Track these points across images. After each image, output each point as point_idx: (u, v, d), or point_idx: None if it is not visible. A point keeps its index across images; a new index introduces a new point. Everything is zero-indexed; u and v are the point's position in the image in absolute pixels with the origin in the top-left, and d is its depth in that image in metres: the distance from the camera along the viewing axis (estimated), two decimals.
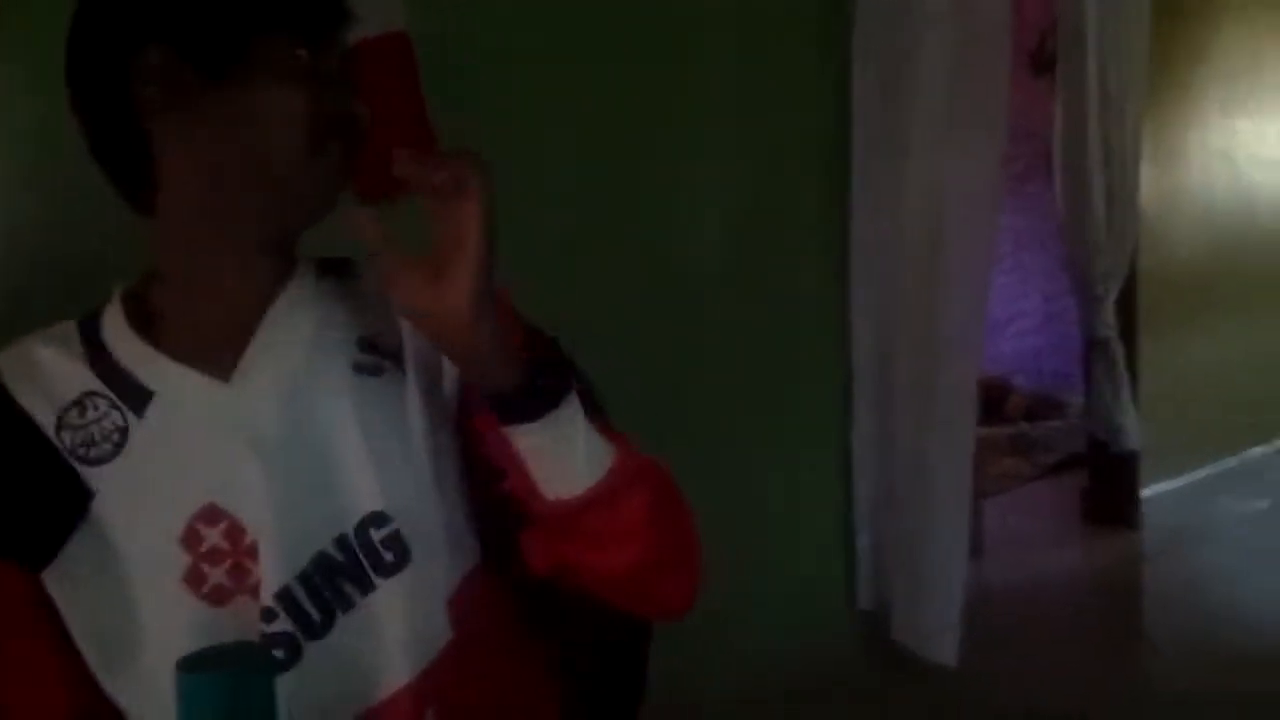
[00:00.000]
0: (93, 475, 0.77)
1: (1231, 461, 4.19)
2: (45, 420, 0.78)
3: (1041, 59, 4.01)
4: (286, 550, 0.77)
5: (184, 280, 0.81)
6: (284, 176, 0.80)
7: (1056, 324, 4.99)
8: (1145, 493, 3.77)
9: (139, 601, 0.76)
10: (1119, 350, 3.36)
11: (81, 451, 0.77)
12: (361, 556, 0.79)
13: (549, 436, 0.77)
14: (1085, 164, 3.17)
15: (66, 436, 0.78)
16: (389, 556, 0.79)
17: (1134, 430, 3.44)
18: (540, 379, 0.76)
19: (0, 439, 0.78)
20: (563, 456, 0.77)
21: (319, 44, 0.80)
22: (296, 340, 0.82)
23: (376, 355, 0.83)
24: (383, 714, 0.79)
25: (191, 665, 0.68)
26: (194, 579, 0.76)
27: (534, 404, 0.75)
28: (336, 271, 0.88)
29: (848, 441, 2.64)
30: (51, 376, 0.80)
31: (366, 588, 0.79)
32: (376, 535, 0.79)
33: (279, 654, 0.75)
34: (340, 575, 0.78)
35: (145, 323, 0.81)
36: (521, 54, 1.97)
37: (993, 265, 2.50)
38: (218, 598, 0.76)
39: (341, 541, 0.79)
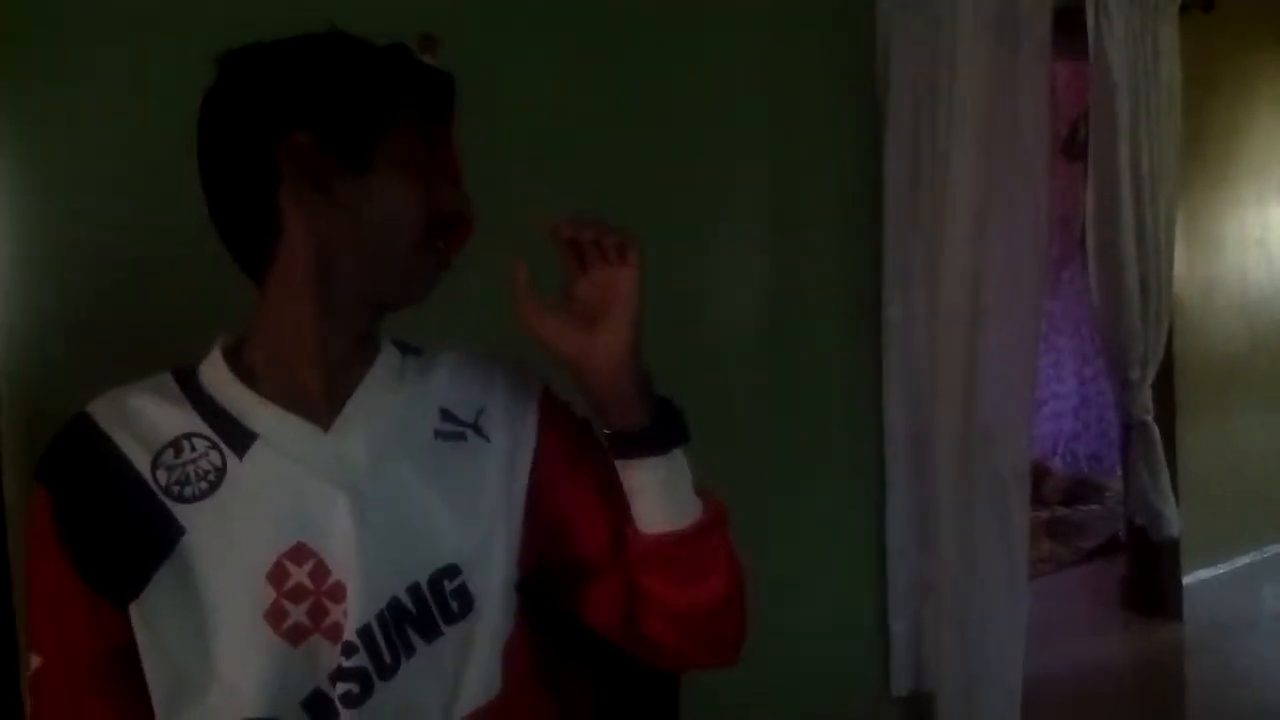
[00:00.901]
0: (184, 512, 0.82)
1: (1275, 548, 4.09)
2: (140, 461, 0.83)
3: (1074, 146, 4.05)
4: (369, 591, 0.82)
5: (287, 343, 0.88)
6: (395, 264, 0.88)
7: (1091, 407, 4.95)
8: (1187, 580, 3.68)
9: (217, 635, 0.80)
10: (1157, 434, 3.32)
11: (175, 489, 0.83)
12: (433, 605, 0.85)
13: (669, 470, 0.90)
14: (1119, 249, 3.16)
15: (161, 475, 0.83)
16: (455, 606, 0.86)
17: (1174, 517, 3.37)
18: (668, 418, 0.90)
19: (98, 478, 0.83)
20: (676, 489, 0.90)
21: (435, 142, 0.89)
22: (388, 404, 0.90)
23: (456, 423, 0.92)
24: None
25: None
26: (275, 615, 0.81)
27: (662, 441, 0.89)
28: (414, 351, 0.98)
29: (882, 527, 2.61)
30: (147, 421, 0.85)
31: (432, 635, 0.85)
32: (448, 586, 0.86)
33: (353, 689, 0.81)
34: (409, 622, 0.84)
35: (246, 375, 0.88)
36: (546, 113, 2.00)
37: (1038, 347, 2.49)
38: (294, 636, 0.81)
39: (415, 590, 0.84)
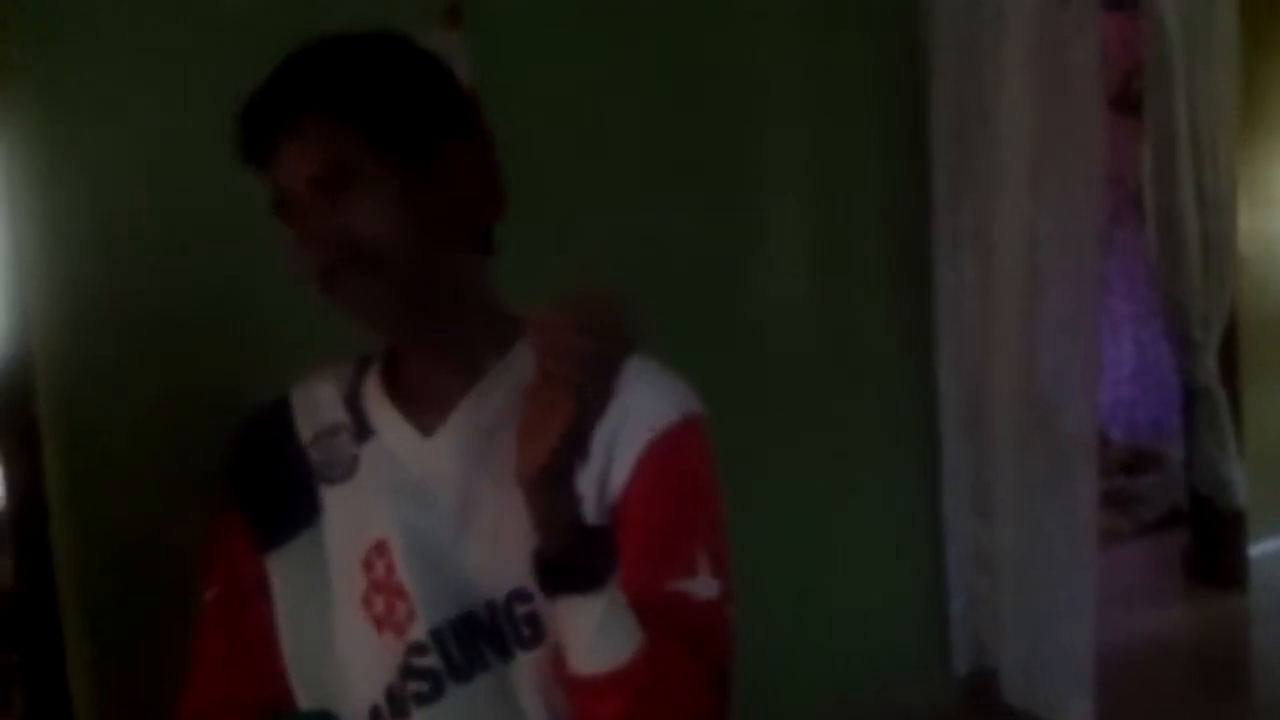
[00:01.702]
0: (326, 493, 0.90)
1: None
2: (305, 437, 0.93)
3: (1128, 100, 3.92)
4: (435, 596, 0.84)
5: (406, 347, 0.92)
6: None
7: (1151, 372, 4.81)
8: (1252, 550, 3.57)
9: (333, 609, 0.88)
10: (1222, 399, 3.20)
11: (322, 470, 0.91)
12: (504, 625, 0.85)
13: (568, 613, 0.78)
14: (1178, 206, 3.06)
15: (316, 455, 0.92)
16: (526, 632, 0.85)
17: (1241, 485, 3.26)
18: (571, 564, 0.77)
19: (271, 438, 0.93)
20: (574, 637, 0.78)
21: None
22: (490, 419, 0.88)
23: None
24: None
25: None
26: (367, 601, 0.87)
27: (563, 580, 0.77)
28: None
29: (937, 501, 2.55)
30: (320, 404, 0.94)
31: (505, 655, 0.85)
32: (520, 610, 0.84)
33: (424, 688, 0.84)
34: (482, 637, 0.84)
35: (392, 375, 0.93)
36: (582, 87, 1.97)
37: (1098, 309, 2.41)
38: (378, 624, 0.86)
39: (490, 606, 0.85)
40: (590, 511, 0.83)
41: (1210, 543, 3.57)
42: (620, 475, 0.86)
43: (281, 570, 0.90)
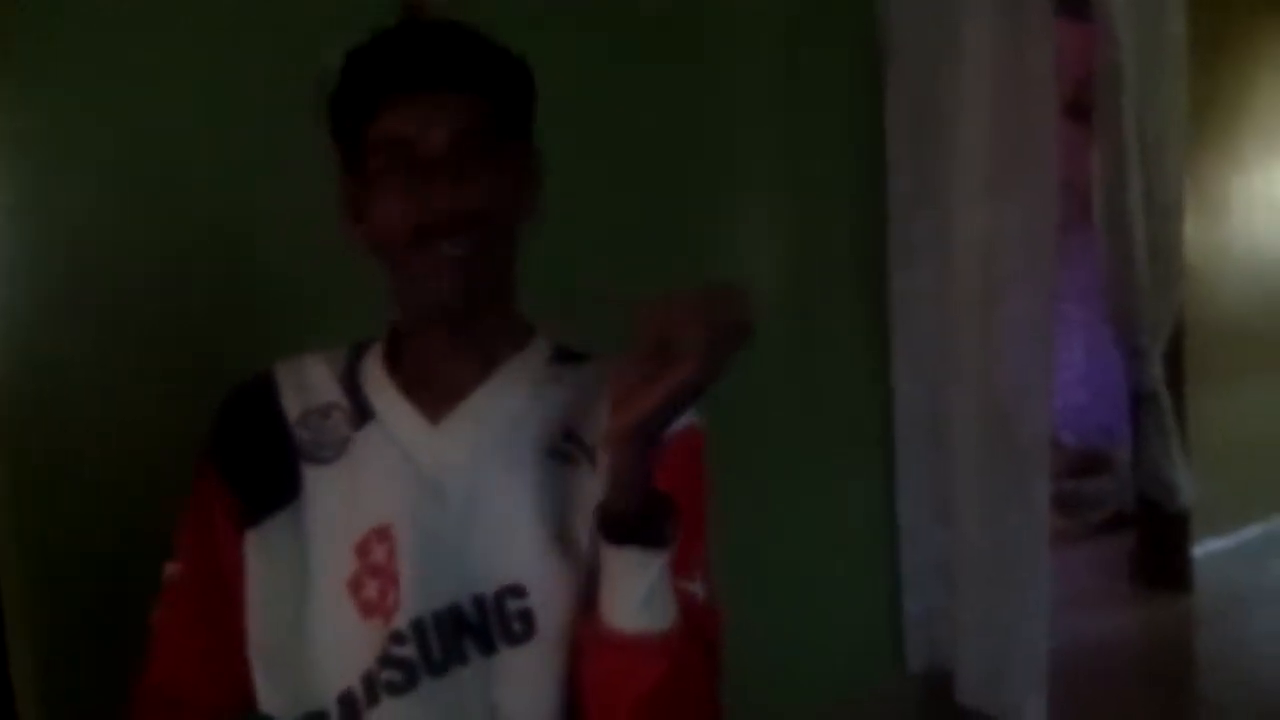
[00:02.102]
0: (311, 473, 0.89)
1: None
2: (292, 415, 0.92)
3: (1078, 107, 3.97)
4: (425, 586, 0.84)
5: (415, 336, 0.93)
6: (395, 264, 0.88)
7: (1099, 378, 4.88)
8: (1196, 552, 3.63)
9: (312, 592, 0.87)
10: (1168, 403, 3.25)
11: (309, 449, 0.90)
12: (492, 620, 0.84)
13: (628, 566, 0.79)
14: (1127, 213, 3.09)
15: (303, 434, 0.91)
16: (518, 628, 0.85)
17: (1188, 488, 3.31)
18: (648, 520, 0.79)
19: (254, 414, 0.93)
20: (626, 592, 0.79)
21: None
22: (503, 412, 0.90)
23: (573, 446, 0.89)
24: None
25: None
26: (355, 585, 0.85)
27: (628, 532, 0.78)
28: (573, 360, 0.95)
29: (893, 504, 2.56)
30: (310, 385, 0.94)
31: (489, 651, 0.84)
32: (512, 605, 0.85)
33: (396, 678, 0.83)
34: (465, 632, 0.84)
35: (396, 359, 0.93)
36: (567, 95, 1.93)
37: (1054, 314, 2.45)
38: (366, 609, 0.85)
39: (479, 601, 0.85)
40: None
41: (1155, 545, 3.63)
42: None
43: (258, 549, 0.89)
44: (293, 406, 0.92)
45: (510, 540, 0.85)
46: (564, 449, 0.89)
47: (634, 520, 0.78)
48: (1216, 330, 3.69)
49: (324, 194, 0.95)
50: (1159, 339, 3.24)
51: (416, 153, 0.83)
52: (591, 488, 0.85)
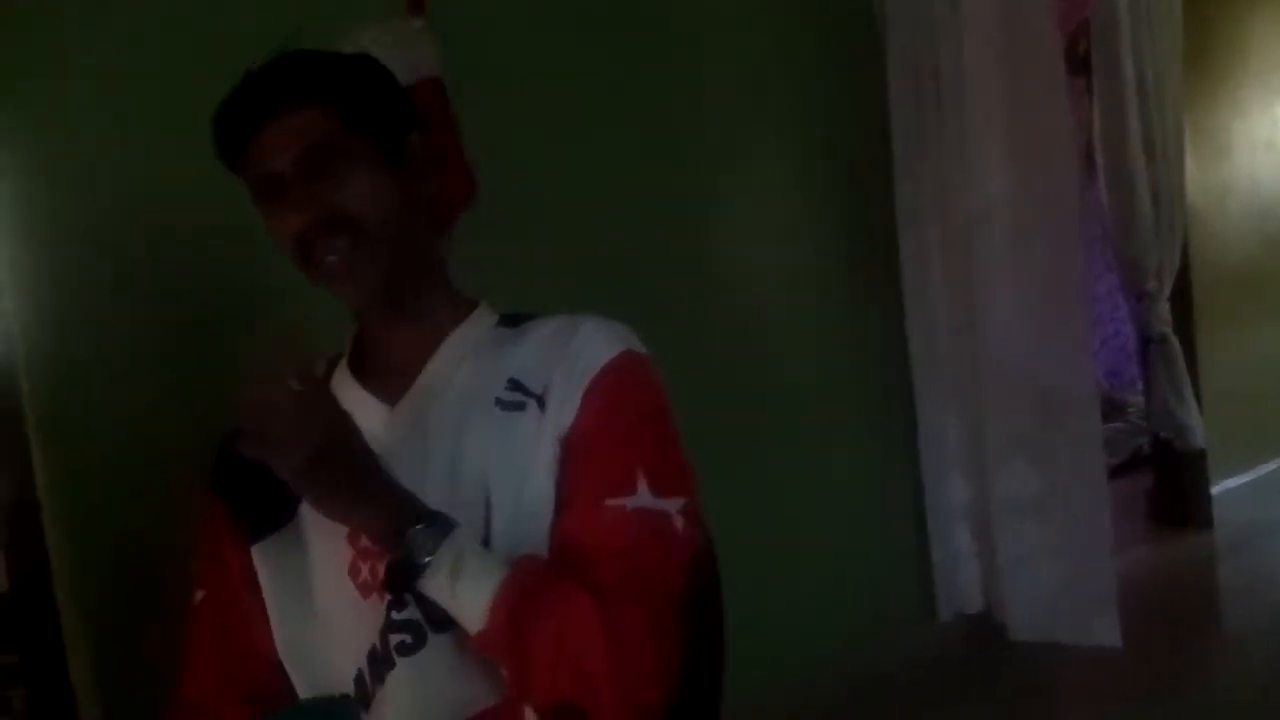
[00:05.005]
0: None
1: None
2: None
3: (1075, 59, 3.98)
4: None
5: (364, 332, 0.98)
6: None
7: (1108, 323, 4.91)
8: (1214, 489, 3.68)
9: (318, 585, 0.93)
10: (1177, 347, 3.30)
11: None
12: None
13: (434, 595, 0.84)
14: (1128, 160, 3.13)
15: None
16: None
17: (1199, 428, 3.36)
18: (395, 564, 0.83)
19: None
20: (454, 612, 0.84)
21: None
22: (451, 381, 0.94)
23: (523, 394, 0.92)
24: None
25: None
26: (353, 571, 0.91)
27: (395, 581, 0.84)
28: (517, 321, 1.00)
29: (917, 455, 2.63)
30: None
31: None
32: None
33: (406, 639, 0.88)
34: None
35: (360, 357, 0.99)
36: (552, 71, 1.97)
37: (1081, 262, 2.53)
38: (365, 590, 0.90)
39: None
40: (549, 458, 0.89)
41: (1173, 484, 3.67)
42: (569, 412, 0.90)
43: (267, 559, 0.96)
44: None
45: (476, 497, 0.89)
46: (512, 399, 0.92)
47: (391, 571, 0.84)
48: (1221, 272, 3.72)
49: None
50: (1165, 282, 3.28)
51: (274, 178, 0.88)
52: (542, 428, 0.90)
